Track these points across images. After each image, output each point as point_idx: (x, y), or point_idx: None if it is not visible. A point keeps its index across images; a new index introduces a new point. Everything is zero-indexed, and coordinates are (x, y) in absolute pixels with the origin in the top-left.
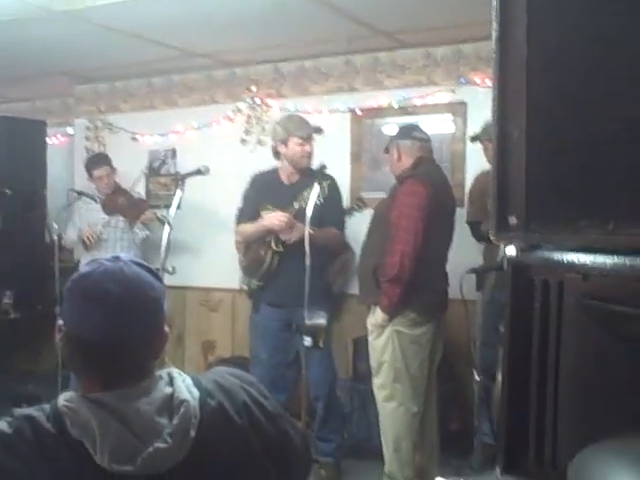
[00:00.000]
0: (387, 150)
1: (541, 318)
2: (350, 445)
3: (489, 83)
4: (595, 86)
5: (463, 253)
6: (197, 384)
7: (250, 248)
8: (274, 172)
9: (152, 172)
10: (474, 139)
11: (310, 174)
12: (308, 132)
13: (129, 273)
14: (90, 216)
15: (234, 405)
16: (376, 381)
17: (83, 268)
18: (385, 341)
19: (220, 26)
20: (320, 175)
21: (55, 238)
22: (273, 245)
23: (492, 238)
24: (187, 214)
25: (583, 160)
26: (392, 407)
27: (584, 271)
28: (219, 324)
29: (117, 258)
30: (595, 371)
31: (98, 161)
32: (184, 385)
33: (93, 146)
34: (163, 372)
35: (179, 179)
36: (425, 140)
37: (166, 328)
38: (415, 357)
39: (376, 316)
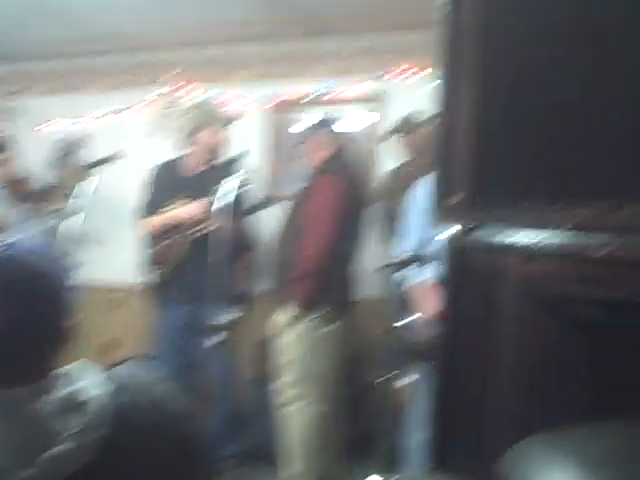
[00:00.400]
0: (303, 141)
1: (481, 304)
2: (251, 448)
3: (408, 75)
4: (548, 60)
5: (373, 251)
6: (105, 381)
7: (155, 242)
8: (178, 162)
9: (59, 161)
10: (389, 134)
11: (221, 164)
12: (228, 119)
13: (21, 263)
14: None
15: (143, 403)
16: (284, 380)
17: None
18: (295, 339)
19: (132, 8)
20: (235, 167)
21: None
22: (182, 239)
23: (435, 217)
24: (97, 205)
25: (532, 138)
26: (301, 406)
27: (528, 252)
28: (122, 323)
29: (12, 244)
30: (538, 359)
31: None
32: (91, 382)
33: None
34: (69, 367)
35: (93, 165)
36: (342, 133)
37: (68, 323)
38: (325, 355)
39: (286, 313)
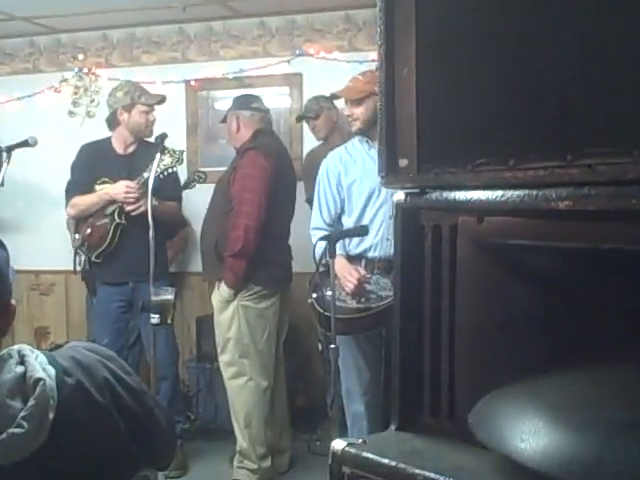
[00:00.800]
0: (224, 120)
1: (433, 266)
2: (197, 427)
3: (324, 54)
4: (489, 16)
5: (306, 226)
6: (52, 362)
7: (86, 222)
8: (106, 141)
9: None
10: (299, 119)
11: (148, 144)
12: (155, 100)
13: None
14: None
15: (94, 382)
16: (223, 358)
17: None
18: (231, 316)
19: None
20: (162, 146)
21: None
22: (116, 217)
23: (381, 182)
24: (10, 191)
25: (478, 95)
26: (241, 383)
27: (481, 211)
28: (52, 309)
29: None
30: (493, 317)
31: None
32: (37, 363)
33: None
34: (12, 350)
35: (4, 151)
36: (265, 111)
37: (12, 301)
38: (262, 331)
39: (221, 291)
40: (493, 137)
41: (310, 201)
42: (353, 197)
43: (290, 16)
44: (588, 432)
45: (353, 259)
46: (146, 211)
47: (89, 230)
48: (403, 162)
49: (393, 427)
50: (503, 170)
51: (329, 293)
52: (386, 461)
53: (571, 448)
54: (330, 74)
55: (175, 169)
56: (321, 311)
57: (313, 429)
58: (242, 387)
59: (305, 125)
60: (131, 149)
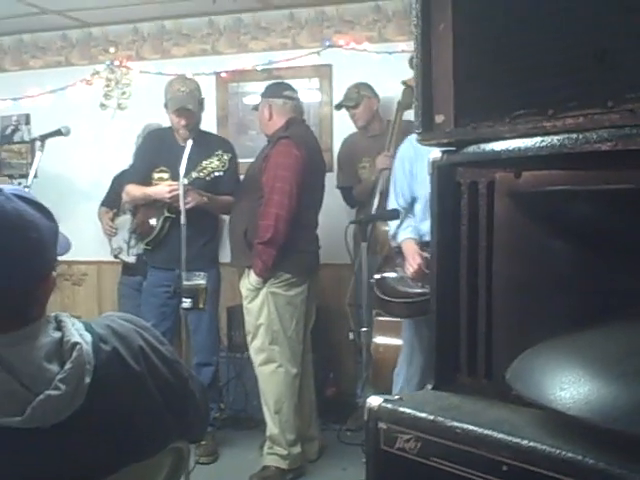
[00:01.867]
0: (256, 108)
1: (469, 224)
2: (227, 415)
3: (353, 45)
4: None
5: (333, 218)
6: (88, 328)
7: (140, 210)
8: (169, 130)
9: (4, 139)
10: (338, 107)
11: (205, 139)
12: (174, 107)
13: (10, 210)
14: None
15: (130, 350)
16: (253, 345)
17: None
18: (261, 304)
19: None
20: (220, 145)
21: None
22: (165, 212)
23: (418, 139)
24: (44, 183)
25: (515, 47)
26: (271, 369)
27: (519, 161)
28: (84, 298)
29: (0, 190)
30: (530, 274)
31: None
32: (74, 329)
33: None
34: (50, 316)
35: (38, 140)
36: (297, 99)
37: (53, 274)
38: (291, 318)
39: (250, 279)
40: (531, 88)
41: (343, 188)
42: (424, 182)
43: (320, 7)
44: (629, 380)
45: (426, 246)
46: (194, 206)
47: (142, 218)
48: (439, 118)
49: (429, 386)
50: (542, 120)
51: (391, 275)
52: (423, 415)
53: (612, 396)
54: (360, 65)
55: (221, 173)
56: (378, 294)
57: (343, 420)
58: (272, 373)
59: (335, 116)
60: (185, 142)
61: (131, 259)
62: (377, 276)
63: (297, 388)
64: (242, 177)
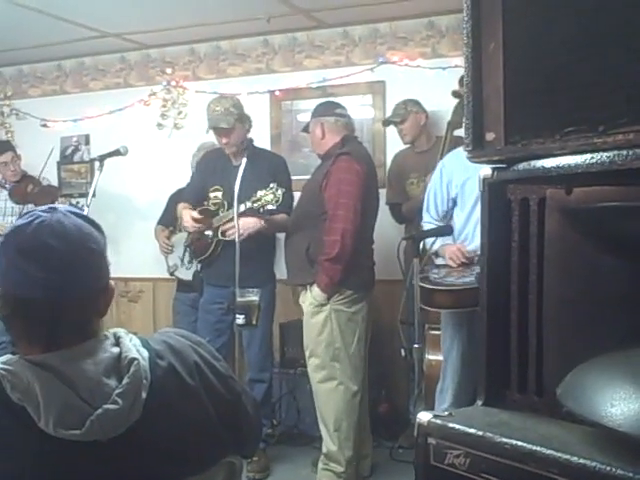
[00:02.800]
0: (307, 129)
1: (520, 240)
2: (280, 432)
3: (407, 62)
4: None
5: (385, 234)
6: (145, 345)
7: (195, 233)
8: (222, 151)
9: (64, 159)
10: (385, 123)
11: (259, 157)
12: (211, 126)
13: (69, 225)
14: None
15: (185, 366)
16: (313, 361)
17: (17, 221)
18: (324, 320)
19: (133, 4)
20: (274, 168)
21: None
22: (219, 234)
23: (468, 156)
24: (102, 202)
25: (565, 65)
26: (331, 387)
27: (569, 178)
28: (140, 315)
29: (54, 209)
30: (581, 290)
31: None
32: (132, 345)
33: (0, 133)
34: (108, 332)
35: (97, 160)
36: (348, 117)
37: (111, 283)
38: (353, 335)
39: (314, 295)
40: (581, 105)
41: (392, 204)
42: (466, 194)
43: (373, 25)
44: None
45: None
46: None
47: (197, 236)
48: (490, 135)
49: (479, 402)
50: (592, 137)
51: (433, 273)
52: (472, 431)
53: None
54: (413, 81)
55: (274, 207)
56: (424, 285)
57: (395, 437)
58: (332, 391)
59: (388, 133)
60: (241, 161)
61: (187, 276)
62: (420, 275)
63: (358, 405)
64: (297, 194)
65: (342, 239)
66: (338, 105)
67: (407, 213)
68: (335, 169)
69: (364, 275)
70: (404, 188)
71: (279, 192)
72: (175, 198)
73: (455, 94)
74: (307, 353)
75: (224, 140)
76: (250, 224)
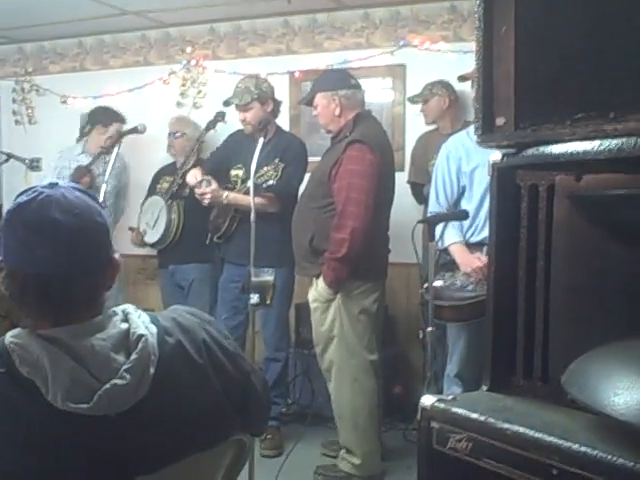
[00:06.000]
0: (309, 102)
1: (529, 227)
2: (293, 411)
3: (428, 45)
4: None
5: (403, 216)
6: (154, 321)
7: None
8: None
9: (83, 136)
10: (409, 99)
11: (278, 138)
12: (226, 100)
13: (73, 199)
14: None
15: (194, 344)
16: (326, 357)
17: (20, 197)
18: (333, 316)
19: None
20: (287, 148)
21: None
22: (232, 211)
23: (477, 141)
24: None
25: (576, 51)
26: (347, 384)
27: (578, 164)
28: (156, 292)
29: (56, 184)
30: (589, 278)
31: None
32: (140, 321)
33: (20, 109)
34: (118, 308)
35: (116, 137)
36: (362, 88)
37: (116, 255)
38: (366, 328)
39: (320, 290)
40: (592, 91)
41: (413, 183)
42: (475, 182)
43: (394, 7)
44: None
45: (473, 247)
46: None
47: (215, 212)
48: (500, 120)
49: (484, 388)
50: (603, 123)
51: (438, 283)
52: (475, 416)
53: None
54: (434, 65)
55: (273, 182)
56: (430, 300)
57: (410, 418)
58: (348, 388)
59: (408, 115)
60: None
61: (153, 238)
62: (426, 285)
63: (375, 399)
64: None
65: (351, 238)
66: (350, 74)
67: (428, 194)
68: (346, 159)
69: (377, 264)
70: (426, 169)
71: (280, 166)
72: (158, 174)
73: (461, 78)
74: (318, 350)
75: (240, 117)
76: (215, 193)
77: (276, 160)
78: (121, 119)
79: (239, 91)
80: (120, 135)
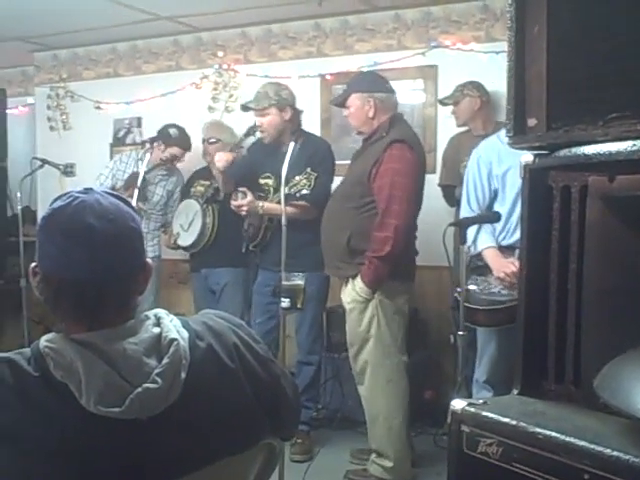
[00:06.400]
0: (342, 104)
1: (561, 229)
2: (323, 415)
3: (460, 46)
4: None
5: (434, 219)
6: (185, 325)
7: (249, 215)
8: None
9: (117, 142)
10: (440, 102)
11: (308, 142)
12: (251, 107)
13: (107, 204)
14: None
15: (225, 348)
16: (361, 357)
17: (55, 203)
18: (370, 316)
19: None
20: (316, 153)
21: (19, 210)
22: (266, 220)
23: (509, 142)
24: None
25: (609, 48)
26: (382, 385)
27: (611, 165)
28: (188, 296)
29: (90, 189)
30: (622, 281)
31: None
32: (172, 325)
33: (55, 115)
34: (150, 313)
35: (148, 143)
36: (395, 92)
37: (149, 261)
38: (400, 328)
39: (358, 290)
40: (625, 91)
41: (444, 186)
42: (507, 185)
43: (426, 8)
44: None
45: (505, 250)
46: (289, 214)
47: (249, 222)
48: (532, 122)
49: (515, 392)
50: (636, 123)
51: (472, 287)
52: (506, 420)
53: None
54: (466, 65)
55: (307, 192)
56: (465, 304)
57: (440, 423)
58: (382, 389)
59: (440, 117)
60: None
61: (187, 241)
62: (459, 289)
63: (408, 400)
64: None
65: (395, 236)
66: (385, 78)
67: (460, 196)
68: (387, 157)
69: (408, 265)
70: (458, 171)
71: (312, 176)
72: (192, 177)
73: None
74: (353, 351)
75: (257, 122)
76: (251, 205)
77: (308, 169)
78: (182, 144)
79: (258, 96)
80: (152, 140)
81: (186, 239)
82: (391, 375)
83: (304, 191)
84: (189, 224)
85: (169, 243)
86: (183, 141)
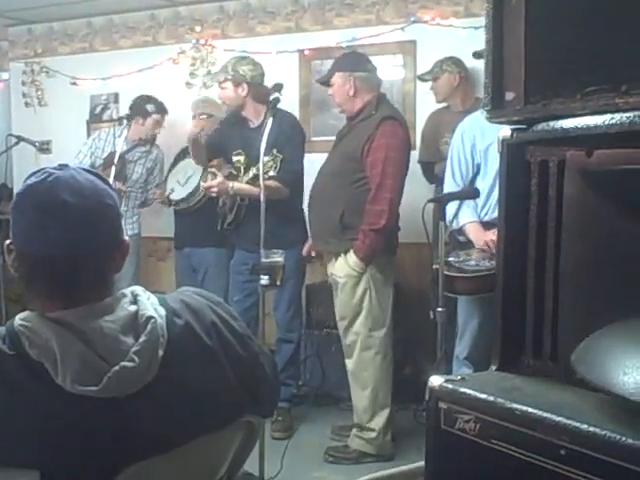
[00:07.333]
0: (327, 82)
1: (539, 204)
2: (304, 392)
3: (439, 21)
4: None
5: (414, 196)
6: (163, 303)
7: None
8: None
9: (94, 118)
10: (419, 78)
11: (277, 118)
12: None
13: (83, 181)
14: None
15: (202, 325)
16: (353, 330)
17: (30, 179)
18: (363, 289)
19: None
20: (282, 132)
21: None
22: (237, 198)
23: (487, 116)
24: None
25: (588, 23)
26: (370, 356)
27: (589, 138)
28: (167, 274)
29: (65, 166)
30: (599, 256)
31: None
32: (149, 303)
33: (30, 91)
34: (126, 290)
35: (125, 119)
36: (377, 73)
37: (126, 238)
38: (388, 300)
39: (351, 264)
40: (603, 64)
41: (423, 163)
42: (489, 161)
43: None
44: None
45: (487, 225)
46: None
47: (223, 199)
48: (509, 95)
49: (493, 367)
50: (614, 96)
51: (452, 259)
52: (484, 396)
53: None
54: (445, 41)
55: (273, 173)
56: (444, 272)
57: (420, 399)
58: (370, 360)
59: (419, 93)
60: (257, 123)
61: (181, 194)
62: (438, 261)
63: (392, 372)
64: (323, 155)
65: (389, 209)
66: (368, 59)
67: (440, 173)
68: (380, 133)
69: (393, 239)
70: (438, 147)
71: (278, 158)
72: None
73: (476, 55)
74: (344, 324)
75: (220, 96)
76: (221, 186)
77: (274, 150)
78: (160, 110)
79: (220, 69)
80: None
81: (180, 193)
82: (379, 347)
83: (271, 172)
84: (187, 179)
85: (162, 198)
86: (160, 107)
